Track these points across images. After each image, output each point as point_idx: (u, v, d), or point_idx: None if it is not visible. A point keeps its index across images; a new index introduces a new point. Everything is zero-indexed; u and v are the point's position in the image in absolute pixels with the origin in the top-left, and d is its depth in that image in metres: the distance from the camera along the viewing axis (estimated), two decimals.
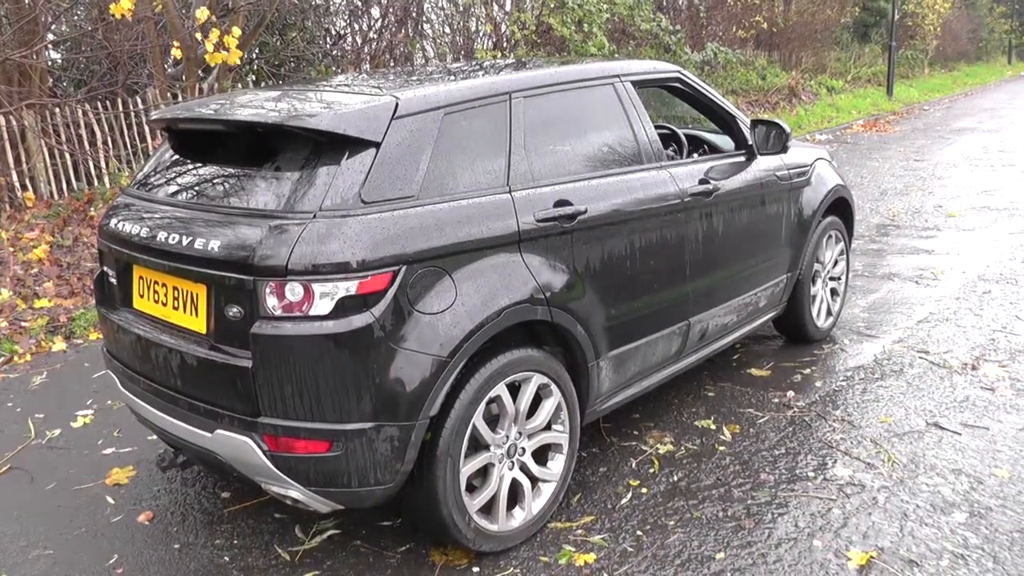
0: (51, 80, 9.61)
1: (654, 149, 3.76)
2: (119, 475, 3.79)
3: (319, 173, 2.73)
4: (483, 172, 3.05)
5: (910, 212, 8.79)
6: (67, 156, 8.11)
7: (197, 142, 3.27)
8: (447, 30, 14.04)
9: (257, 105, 3.18)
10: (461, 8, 13.57)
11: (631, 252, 3.52)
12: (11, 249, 6.73)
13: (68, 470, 3.87)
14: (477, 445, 3.02)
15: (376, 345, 2.66)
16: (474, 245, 2.91)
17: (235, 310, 2.71)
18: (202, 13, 7.44)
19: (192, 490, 3.67)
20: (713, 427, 4.08)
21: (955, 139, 14.47)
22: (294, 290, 2.61)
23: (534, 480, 3.23)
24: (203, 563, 3.15)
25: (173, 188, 3.17)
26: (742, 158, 4.33)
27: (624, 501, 3.46)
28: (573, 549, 3.14)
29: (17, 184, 7.76)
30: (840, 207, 5.12)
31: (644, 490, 3.54)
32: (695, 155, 4.56)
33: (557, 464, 3.30)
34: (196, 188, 3.08)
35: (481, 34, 13.88)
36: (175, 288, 2.95)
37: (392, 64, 12.62)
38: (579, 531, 3.26)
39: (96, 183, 8.29)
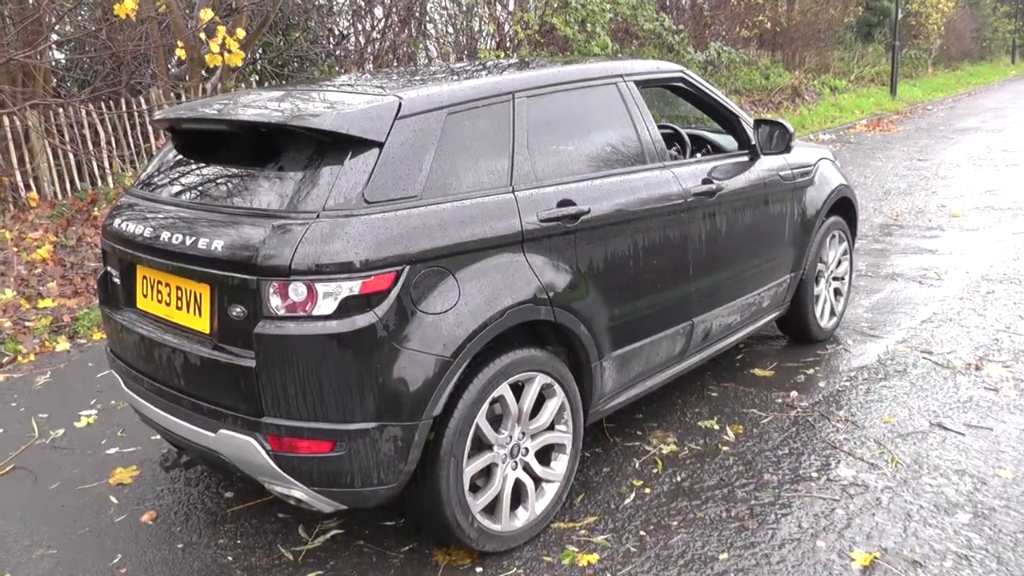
0: (55, 80, 9.63)
1: (657, 149, 3.76)
2: (123, 475, 3.80)
3: (322, 173, 2.73)
4: (486, 172, 3.05)
5: (913, 212, 8.78)
6: (71, 156, 8.13)
7: (200, 142, 3.27)
8: (450, 30, 14.05)
9: (260, 105, 3.18)
10: (464, 8, 13.57)
11: (634, 252, 3.51)
12: (15, 249, 6.74)
13: (72, 470, 3.88)
14: (480, 445, 3.02)
15: (379, 345, 2.66)
16: (477, 245, 2.91)
17: (238, 310, 2.71)
18: (206, 13, 7.45)
19: (195, 490, 3.67)
20: (716, 427, 4.08)
21: (959, 139, 14.45)
22: (298, 290, 2.61)
23: (537, 480, 3.23)
24: (206, 563, 3.15)
25: (177, 188, 3.17)
26: (745, 158, 4.32)
27: (627, 501, 3.46)
28: (576, 549, 3.14)
29: (21, 184, 7.77)
30: (844, 207, 5.11)
31: (647, 490, 3.54)
32: (698, 155, 4.56)
33: (560, 464, 3.30)
34: (199, 188, 3.08)
35: (484, 34, 13.89)
36: (179, 288, 2.95)
37: (395, 64, 12.63)
38: (582, 531, 3.26)
39: (100, 183, 8.30)
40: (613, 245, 3.42)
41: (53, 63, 9.71)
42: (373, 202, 2.71)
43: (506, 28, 13.49)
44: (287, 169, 2.84)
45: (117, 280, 3.30)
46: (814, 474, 3.61)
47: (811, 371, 4.72)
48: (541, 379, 3.13)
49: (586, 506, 3.44)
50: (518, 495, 3.17)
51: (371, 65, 12.54)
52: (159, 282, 3.05)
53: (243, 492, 3.61)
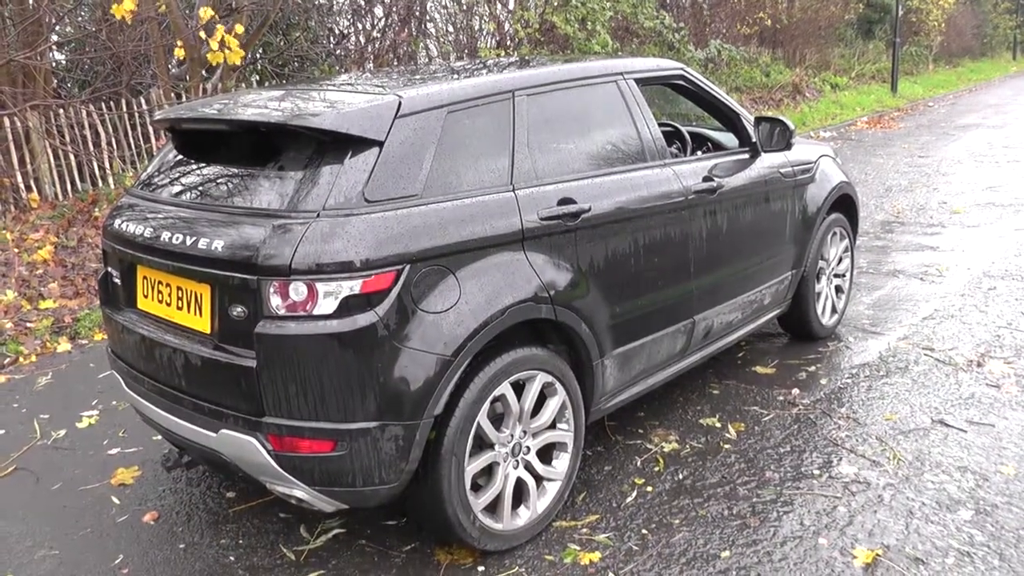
0: (55, 81, 9.63)
1: (658, 147, 3.75)
2: (124, 475, 3.80)
3: (322, 172, 2.73)
4: (486, 170, 3.05)
5: (915, 209, 8.77)
6: (71, 157, 8.13)
7: (201, 142, 3.27)
8: (450, 29, 14.05)
9: (260, 105, 3.18)
10: (464, 7, 13.57)
11: (635, 250, 3.51)
12: (16, 250, 6.74)
13: (73, 470, 3.88)
14: (482, 444, 3.02)
15: (380, 344, 2.66)
16: (478, 244, 2.91)
17: (239, 310, 2.71)
18: (205, 13, 7.45)
19: (197, 490, 3.68)
20: (718, 425, 4.07)
21: (960, 135, 14.44)
22: (298, 289, 2.61)
23: (539, 479, 3.23)
24: (208, 563, 3.15)
25: (177, 188, 3.17)
26: (746, 155, 4.32)
27: (629, 500, 3.46)
28: (578, 548, 3.14)
29: (22, 185, 7.77)
30: (844, 204, 5.11)
31: (649, 488, 3.54)
32: (699, 153, 4.55)
33: (562, 463, 3.30)
34: (200, 188, 3.08)
35: (485, 33, 13.88)
36: (179, 288, 2.95)
37: (396, 63, 12.63)
38: (584, 530, 3.26)
39: (100, 184, 8.30)
40: (614, 243, 3.41)
41: (53, 64, 9.71)
42: (373, 201, 2.70)
43: (506, 27, 13.48)
44: (287, 169, 2.84)
45: (118, 280, 3.30)
46: (816, 471, 3.61)
47: (812, 368, 4.72)
48: (542, 378, 3.13)
49: (588, 504, 3.44)
50: (520, 494, 3.17)
51: (371, 64, 12.54)
52: (160, 282, 3.05)
53: (245, 492, 3.61)
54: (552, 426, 3.25)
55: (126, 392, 3.33)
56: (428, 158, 2.88)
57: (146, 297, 3.14)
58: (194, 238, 2.81)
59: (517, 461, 3.13)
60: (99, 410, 4.51)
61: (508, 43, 13.17)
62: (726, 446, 3.87)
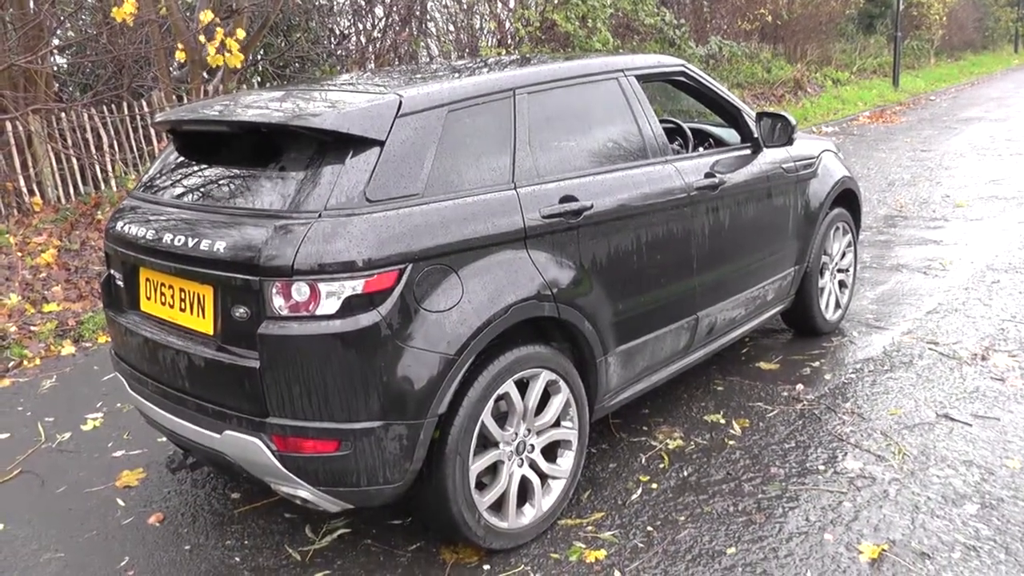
0: (57, 85, 9.65)
1: (659, 143, 3.75)
2: (129, 477, 3.80)
3: (324, 172, 2.73)
4: (488, 169, 3.05)
5: (918, 203, 8.76)
6: (74, 160, 8.14)
7: (202, 144, 3.27)
8: (451, 28, 14.05)
9: (261, 106, 3.18)
10: (465, 6, 13.56)
11: (638, 247, 3.51)
12: (19, 254, 6.75)
13: (78, 473, 3.89)
14: (486, 443, 3.02)
15: (383, 344, 2.66)
16: (480, 242, 2.91)
17: (242, 311, 2.71)
18: (206, 16, 7.45)
19: (202, 491, 3.68)
20: (722, 421, 4.07)
21: (962, 129, 14.41)
22: (300, 290, 2.61)
23: (544, 477, 3.23)
24: (214, 564, 3.15)
25: (179, 190, 3.17)
26: (748, 151, 4.31)
27: (634, 497, 3.46)
28: (584, 545, 3.14)
29: (24, 189, 7.78)
30: (847, 199, 5.10)
31: (654, 486, 3.53)
32: (700, 149, 4.54)
33: (566, 461, 3.30)
34: (201, 189, 3.08)
35: (485, 31, 13.88)
36: (182, 290, 2.95)
37: (396, 63, 12.63)
38: (589, 527, 3.26)
39: (103, 187, 8.31)
40: (616, 240, 3.41)
41: (55, 68, 9.72)
42: (375, 201, 2.70)
43: (507, 25, 13.48)
44: (289, 169, 2.84)
45: (120, 283, 3.30)
46: (821, 467, 3.60)
47: (817, 364, 4.71)
48: (546, 375, 3.13)
49: (593, 502, 3.43)
50: (524, 492, 3.17)
51: (372, 64, 12.54)
52: (162, 284, 3.05)
53: (249, 493, 3.62)
54: (556, 424, 3.24)
55: (130, 394, 3.33)
56: (429, 157, 2.87)
57: (149, 299, 3.14)
58: (196, 240, 2.81)
59: (522, 459, 3.13)
60: (103, 413, 4.51)
61: (509, 42, 13.17)
62: (731, 442, 3.86)
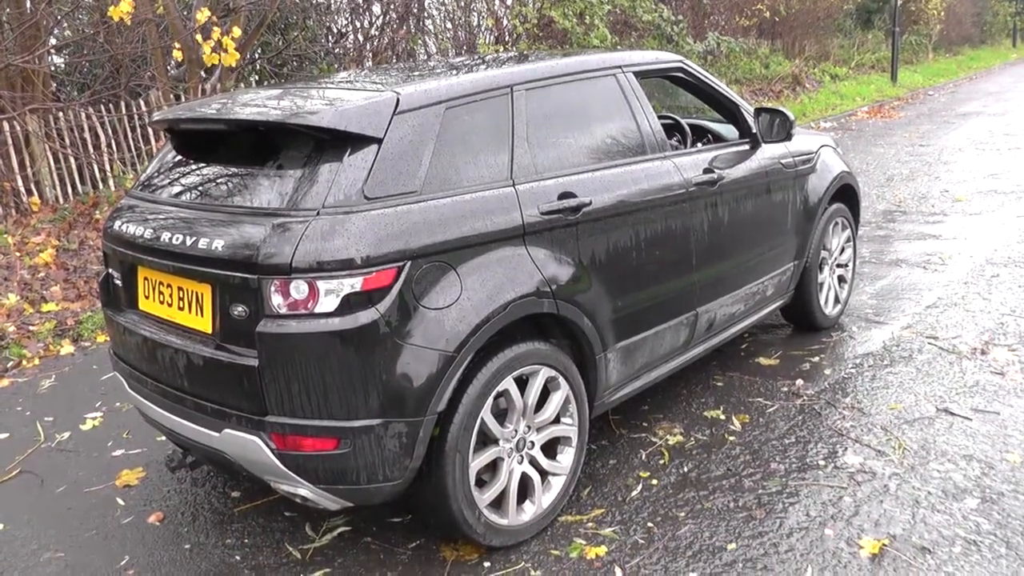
0: (54, 85, 9.64)
1: (658, 139, 3.74)
2: (129, 476, 3.80)
3: (322, 170, 2.72)
4: (486, 166, 3.04)
5: (916, 197, 8.75)
6: (71, 160, 8.13)
7: (200, 142, 3.27)
8: (448, 26, 14.03)
9: (259, 104, 3.18)
10: (463, 3, 13.55)
11: (636, 243, 3.50)
12: (18, 254, 6.74)
13: (78, 473, 3.88)
14: (486, 440, 3.01)
15: (382, 341, 2.65)
16: (479, 239, 2.90)
17: (240, 309, 2.70)
18: (202, 14, 7.44)
19: (202, 490, 3.68)
20: (722, 417, 4.07)
21: (960, 123, 14.40)
22: (299, 288, 2.61)
23: (544, 474, 3.22)
24: (214, 563, 3.15)
25: (176, 189, 3.16)
26: (746, 147, 4.31)
27: (634, 493, 3.45)
28: (584, 542, 3.14)
29: (23, 189, 7.78)
30: (846, 194, 5.10)
31: (654, 482, 3.53)
32: (699, 144, 4.54)
33: (566, 457, 3.30)
34: (199, 188, 3.08)
35: (483, 29, 13.87)
36: (180, 288, 2.94)
37: (394, 60, 12.62)
38: (590, 524, 3.26)
39: (101, 186, 8.31)
40: (615, 237, 3.41)
41: (52, 67, 9.71)
42: (373, 198, 2.70)
43: (504, 22, 13.47)
44: (286, 167, 2.83)
45: (119, 282, 3.29)
46: (821, 462, 3.60)
47: (816, 359, 4.71)
48: (545, 372, 3.12)
49: (593, 499, 3.43)
50: (524, 489, 3.17)
51: (370, 62, 12.53)
52: (161, 283, 3.04)
53: (249, 491, 3.61)
54: (556, 421, 3.24)
55: (129, 393, 3.33)
56: (427, 154, 2.87)
57: (147, 298, 3.14)
58: (194, 238, 2.81)
59: (521, 456, 3.13)
60: (103, 412, 4.51)
61: (507, 39, 13.16)
62: (731, 438, 3.86)
